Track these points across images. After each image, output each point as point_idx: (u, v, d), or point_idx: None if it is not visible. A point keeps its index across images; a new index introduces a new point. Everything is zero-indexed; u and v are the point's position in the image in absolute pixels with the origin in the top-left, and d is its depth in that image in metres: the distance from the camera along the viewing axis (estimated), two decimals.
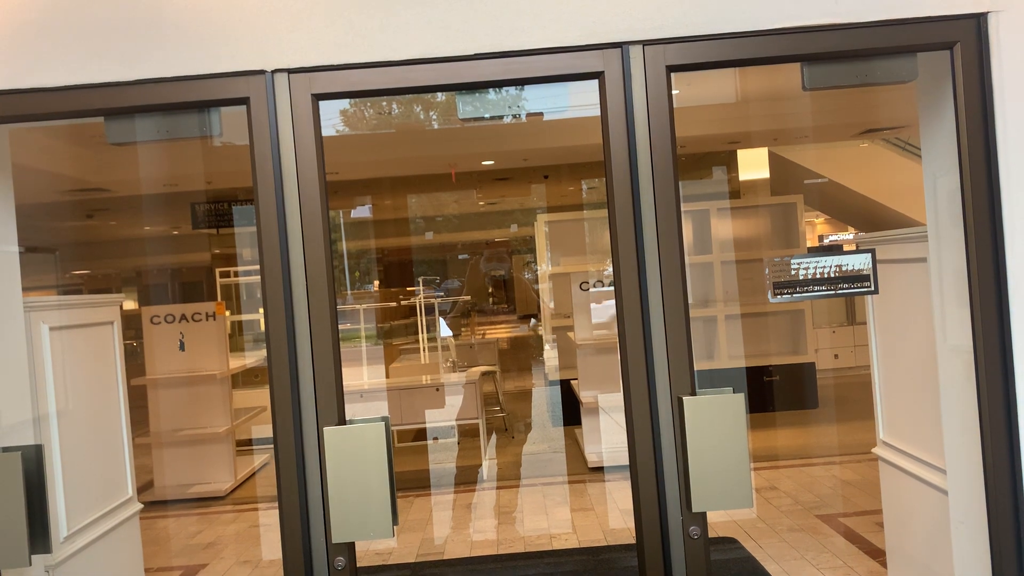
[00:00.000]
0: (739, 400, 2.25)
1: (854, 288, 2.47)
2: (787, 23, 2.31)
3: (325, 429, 2.26)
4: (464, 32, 2.31)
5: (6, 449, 2.33)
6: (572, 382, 7.54)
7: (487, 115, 2.58)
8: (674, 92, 2.35)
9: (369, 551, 5.01)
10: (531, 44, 2.31)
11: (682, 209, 2.35)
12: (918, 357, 3.18)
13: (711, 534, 2.39)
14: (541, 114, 6.30)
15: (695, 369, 2.34)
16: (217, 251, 11.60)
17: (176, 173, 7.02)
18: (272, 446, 2.36)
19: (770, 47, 2.33)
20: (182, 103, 2.35)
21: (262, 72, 2.32)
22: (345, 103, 6.10)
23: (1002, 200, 2.30)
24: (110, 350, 3.67)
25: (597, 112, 2.38)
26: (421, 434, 7.57)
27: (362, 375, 7.68)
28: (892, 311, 3.43)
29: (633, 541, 2.64)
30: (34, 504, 2.32)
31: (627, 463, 2.39)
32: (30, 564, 2.33)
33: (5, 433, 2.61)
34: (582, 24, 2.31)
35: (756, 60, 2.37)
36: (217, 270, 9.62)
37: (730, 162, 9.31)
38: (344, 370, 2.42)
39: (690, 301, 3.15)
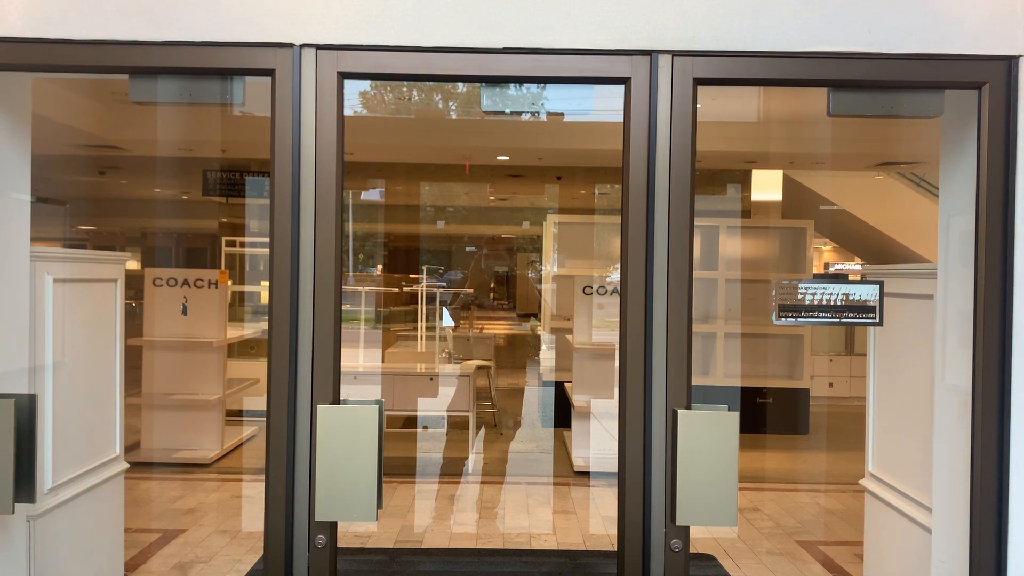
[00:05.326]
0: (733, 418, 2.25)
1: (859, 318, 2.47)
2: (818, 47, 2.31)
3: (319, 407, 2.26)
4: (496, 24, 2.31)
5: (0, 395, 2.33)
6: (566, 384, 7.54)
7: (508, 110, 2.58)
8: (697, 105, 2.34)
9: (348, 532, 5.02)
10: (561, 43, 2.31)
11: None
12: (914, 393, 3.18)
13: (690, 549, 2.39)
14: (562, 114, 6.29)
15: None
16: (225, 220, 11.60)
17: (192, 138, 7.01)
18: (263, 419, 2.36)
19: (799, 69, 2.32)
20: (207, 68, 2.35)
21: (290, 45, 2.32)
22: (365, 84, 6.10)
23: (1015, 245, 2.30)
24: (111, 308, 3.67)
25: (619, 118, 2.38)
26: (411, 421, 7.57)
27: (358, 357, 7.68)
28: (893, 345, 3.42)
29: (612, 549, 2.64)
30: (23, 453, 2.33)
31: (613, 470, 2.39)
32: (13, 512, 2.34)
33: (0, 379, 2.62)
34: (614, 28, 2.31)
35: (784, 81, 2.37)
36: (223, 239, 9.62)
37: (744, 181, 9.29)
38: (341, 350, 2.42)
39: None
